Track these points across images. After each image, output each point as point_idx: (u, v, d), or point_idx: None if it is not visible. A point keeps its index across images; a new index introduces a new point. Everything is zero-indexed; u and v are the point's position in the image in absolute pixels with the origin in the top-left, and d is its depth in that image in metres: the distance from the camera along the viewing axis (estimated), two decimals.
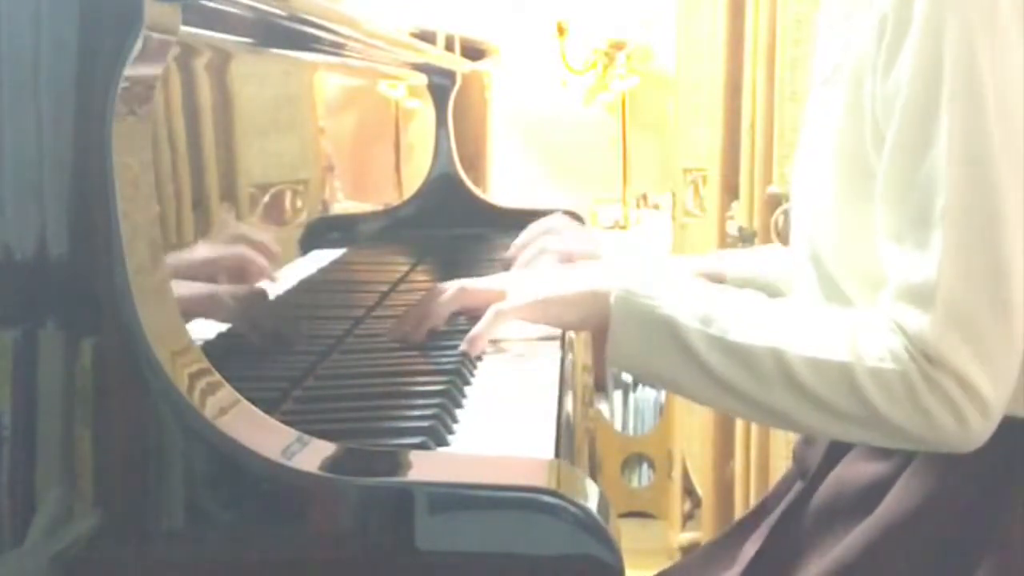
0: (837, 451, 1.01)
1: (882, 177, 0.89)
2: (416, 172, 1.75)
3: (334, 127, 1.32)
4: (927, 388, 0.85)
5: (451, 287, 1.11)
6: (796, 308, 0.96)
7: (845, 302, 0.97)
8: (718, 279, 1.29)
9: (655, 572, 1.16)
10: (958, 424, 0.85)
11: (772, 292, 1.25)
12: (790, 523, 1.03)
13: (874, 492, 0.95)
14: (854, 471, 0.99)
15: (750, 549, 1.06)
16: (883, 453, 0.96)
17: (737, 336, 0.91)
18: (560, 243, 1.38)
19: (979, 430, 0.86)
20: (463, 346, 1.06)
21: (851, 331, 0.89)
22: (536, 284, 1.05)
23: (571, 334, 1.22)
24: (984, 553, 0.91)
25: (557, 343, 1.17)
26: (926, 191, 0.85)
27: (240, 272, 0.95)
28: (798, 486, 1.08)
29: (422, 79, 1.76)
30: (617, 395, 2.91)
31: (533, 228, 1.44)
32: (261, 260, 0.98)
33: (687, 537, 2.46)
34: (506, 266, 1.40)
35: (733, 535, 1.15)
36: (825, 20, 1.04)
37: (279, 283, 1.03)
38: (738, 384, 0.90)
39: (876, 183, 0.90)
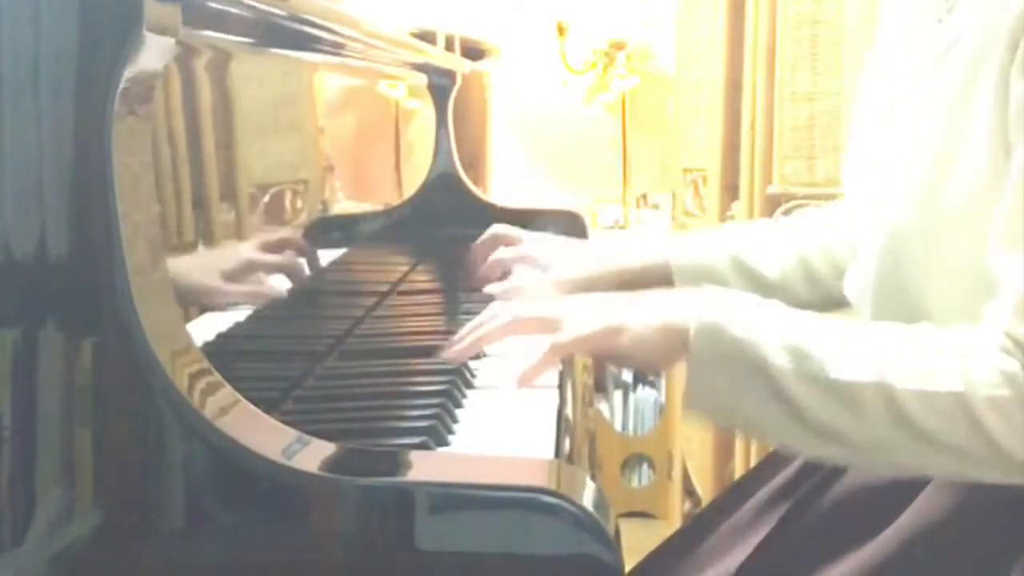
0: None
1: (1011, 180, 0.83)
2: (416, 172, 1.75)
3: (334, 127, 1.32)
4: None
5: (502, 315, 1.00)
6: (892, 333, 0.88)
7: (903, 304, 0.92)
8: (663, 272, 1.24)
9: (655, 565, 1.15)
10: None
11: (720, 278, 1.21)
12: (806, 510, 1.00)
13: (899, 496, 0.92)
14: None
15: (754, 523, 1.03)
16: None
17: (837, 373, 0.83)
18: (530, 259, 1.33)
19: None
20: (515, 383, 0.96)
21: (958, 355, 0.82)
22: (599, 313, 0.94)
23: None
24: (1016, 561, 0.87)
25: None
26: None
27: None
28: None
29: (422, 79, 1.76)
30: (617, 395, 2.91)
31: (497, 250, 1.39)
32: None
33: None
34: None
35: (730, 500, 1.12)
36: (903, 20, 1.02)
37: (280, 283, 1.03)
38: (837, 425, 0.83)
39: (991, 176, 0.84)
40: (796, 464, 1.06)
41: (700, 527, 1.12)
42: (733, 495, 1.13)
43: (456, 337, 1.03)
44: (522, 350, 1.00)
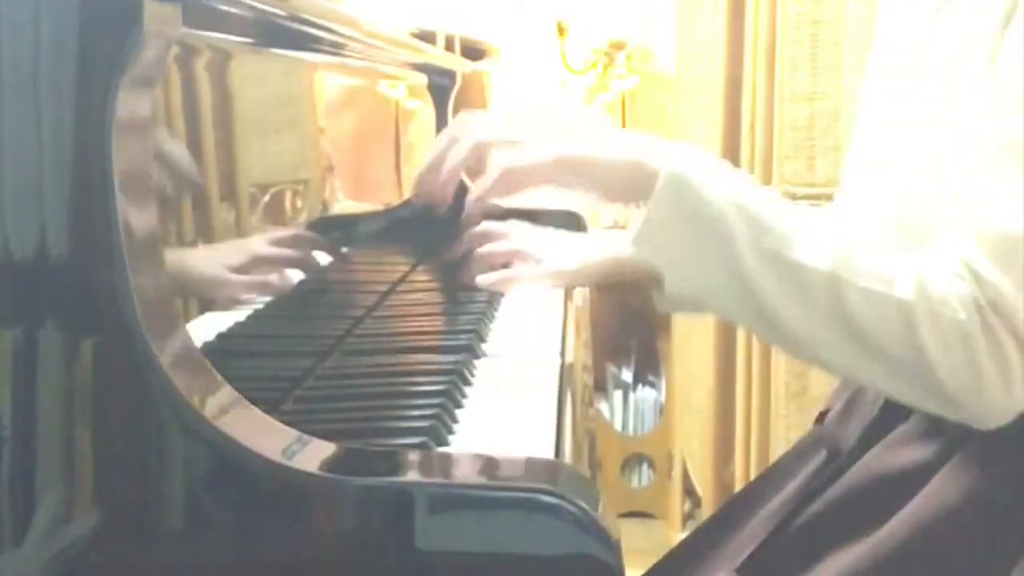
0: (873, 434, 0.98)
1: (992, 122, 0.85)
2: (416, 172, 1.75)
3: (334, 127, 1.31)
4: (986, 343, 0.80)
5: (465, 142, 0.97)
6: (856, 235, 0.89)
7: None
8: None
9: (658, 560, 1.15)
10: (1004, 389, 0.81)
11: None
12: (811, 505, 1.00)
13: (910, 483, 0.92)
14: (889, 458, 0.95)
15: (765, 525, 1.03)
16: (922, 440, 0.92)
17: (793, 253, 0.83)
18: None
19: (1017, 403, 0.82)
20: (487, 278, 0.97)
21: (916, 270, 0.83)
22: (568, 138, 0.91)
23: (571, 333, 1.21)
24: (1021, 554, 0.88)
25: (557, 344, 1.17)
26: None
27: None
28: (820, 458, 1.06)
29: (422, 79, 1.76)
30: (617, 395, 2.91)
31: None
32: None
33: None
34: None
35: (738, 505, 1.13)
36: (900, 21, 1.03)
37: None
38: (777, 304, 0.83)
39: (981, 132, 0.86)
40: (805, 473, 1.06)
41: (706, 534, 1.12)
42: (741, 502, 1.14)
43: (423, 171, 1.03)
44: (521, 351, 1.00)
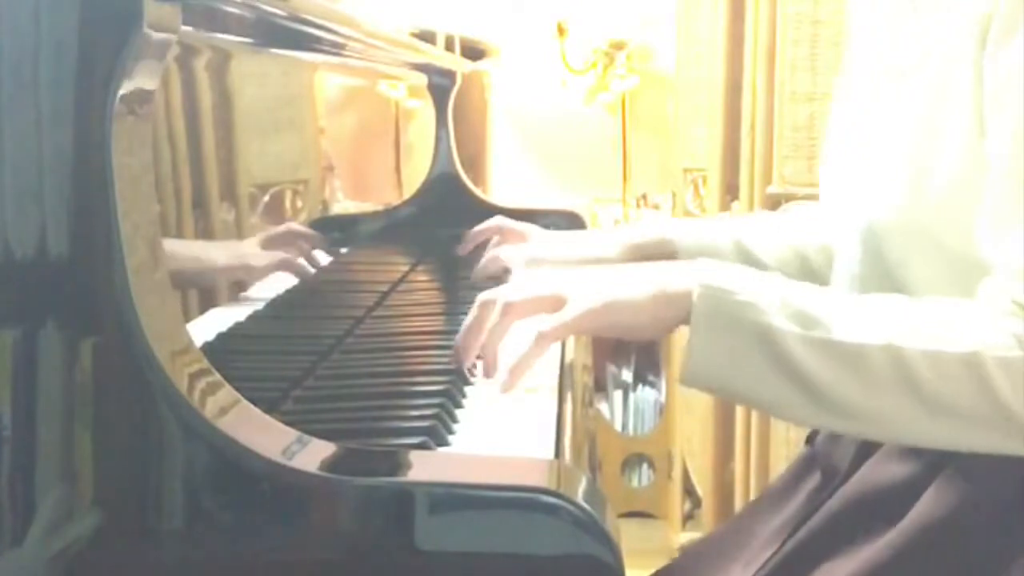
0: (866, 449, 0.97)
1: (993, 159, 0.84)
2: (416, 172, 1.75)
3: (334, 127, 1.32)
4: None
5: (495, 307, 0.93)
6: (899, 301, 0.87)
7: (889, 285, 0.92)
8: (668, 248, 1.24)
9: (656, 570, 1.15)
10: None
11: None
12: (811, 522, 0.99)
13: (904, 495, 0.92)
14: (882, 471, 0.95)
15: (765, 548, 1.03)
16: (914, 453, 0.92)
17: (844, 335, 0.81)
18: (516, 251, 1.34)
19: None
20: (501, 385, 0.90)
21: (967, 319, 0.82)
22: (592, 288, 0.89)
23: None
24: (1015, 561, 0.87)
25: (557, 344, 1.17)
26: None
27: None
28: (816, 480, 1.06)
29: (422, 79, 1.76)
30: (617, 395, 2.91)
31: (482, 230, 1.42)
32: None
33: (687, 537, 2.46)
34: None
35: (739, 526, 1.13)
36: (874, 18, 1.03)
37: (280, 283, 1.03)
38: (841, 391, 0.82)
39: (972, 166, 0.86)
40: (801, 498, 1.06)
41: (704, 553, 1.12)
42: (737, 526, 1.14)
43: (460, 345, 0.97)
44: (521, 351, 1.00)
